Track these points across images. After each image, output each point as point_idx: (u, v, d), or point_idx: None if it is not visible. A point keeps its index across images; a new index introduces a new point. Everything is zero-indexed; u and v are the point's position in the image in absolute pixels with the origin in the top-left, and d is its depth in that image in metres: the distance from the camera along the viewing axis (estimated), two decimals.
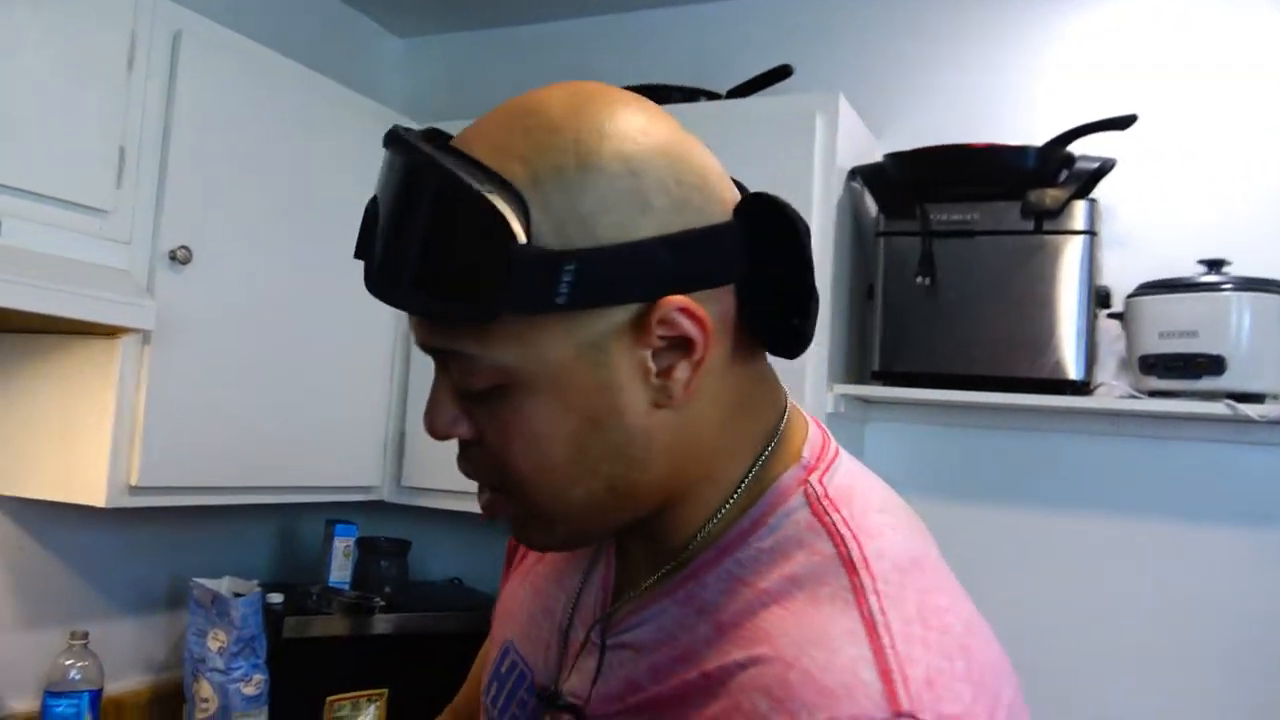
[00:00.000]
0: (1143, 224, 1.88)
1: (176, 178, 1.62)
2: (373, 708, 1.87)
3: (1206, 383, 1.63)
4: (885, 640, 0.54)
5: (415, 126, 2.11)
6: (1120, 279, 1.80)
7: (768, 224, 0.60)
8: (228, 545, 2.17)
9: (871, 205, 1.94)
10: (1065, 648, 1.88)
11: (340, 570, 2.15)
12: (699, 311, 0.57)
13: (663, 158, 0.58)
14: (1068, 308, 1.71)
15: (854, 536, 0.59)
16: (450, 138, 0.61)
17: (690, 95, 2.03)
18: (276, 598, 1.96)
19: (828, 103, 1.83)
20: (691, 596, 0.61)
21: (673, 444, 0.60)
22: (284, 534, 2.33)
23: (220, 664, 1.79)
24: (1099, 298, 1.76)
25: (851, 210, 1.92)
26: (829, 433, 0.67)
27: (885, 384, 1.87)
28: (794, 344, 0.62)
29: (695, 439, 0.61)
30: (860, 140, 1.96)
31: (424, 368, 2.12)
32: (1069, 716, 1.86)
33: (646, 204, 0.57)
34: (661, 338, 0.58)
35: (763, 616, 0.57)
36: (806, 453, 0.64)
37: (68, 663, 1.71)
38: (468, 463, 0.63)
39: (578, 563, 0.72)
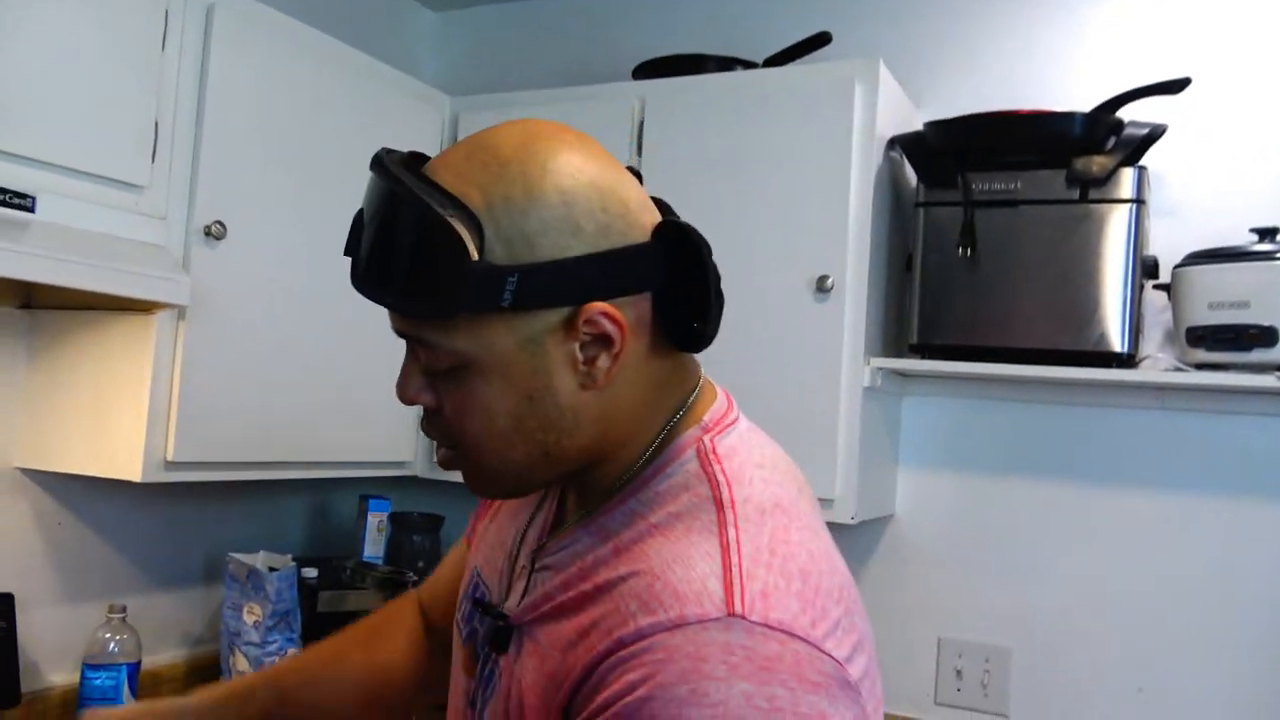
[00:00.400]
0: (1193, 192, 1.83)
1: (210, 153, 1.61)
2: None
3: (1257, 355, 1.59)
4: (734, 561, 0.68)
5: (446, 95, 2.10)
6: (1168, 249, 1.76)
7: (677, 243, 0.73)
8: (263, 520, 2.18)
9: (911, 175, 1.90)
10: (1106, 623, 1.85)
11: (374, 545, 2.16)
12: (617, 315, 0.72)
13: (593, 190, 0.72)
14: (1113, 279, 1.67)
15: (728, 483, 0.73)
16: (428, 159, 0.75)
17: (726, 64, 1.99)
18: (311, 572, 1.96)
19: (867, 70, 1.79)
20: (601, 528, 0.75)
21: (596, 417, 0.75)
22: (318, 509, 2.33)
23: (256, 637, 1.80)
24: (1146, 268, 1.72)
25: (890, 180, 1.88)
26: (734, 405, 0.82)
27: (923, 357, 1.83)
28: (695, 341, 0.75)
29: (614, 413, 0.75)
30: (900, 108, 1.92)
31: None
32: (1108, 690, 1.83)
33: (578, 228, 0.71)
34: (587, 334, 0.71)
35: (647, 542, 0.71)
36: (706, 418, 0.78)
37: (106, 636, 1.72)
38: (431, 426, 0.78)
39: (529, 506, 0.88)
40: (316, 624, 1.87)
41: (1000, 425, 1.97)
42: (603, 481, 0.78)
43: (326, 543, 2.33)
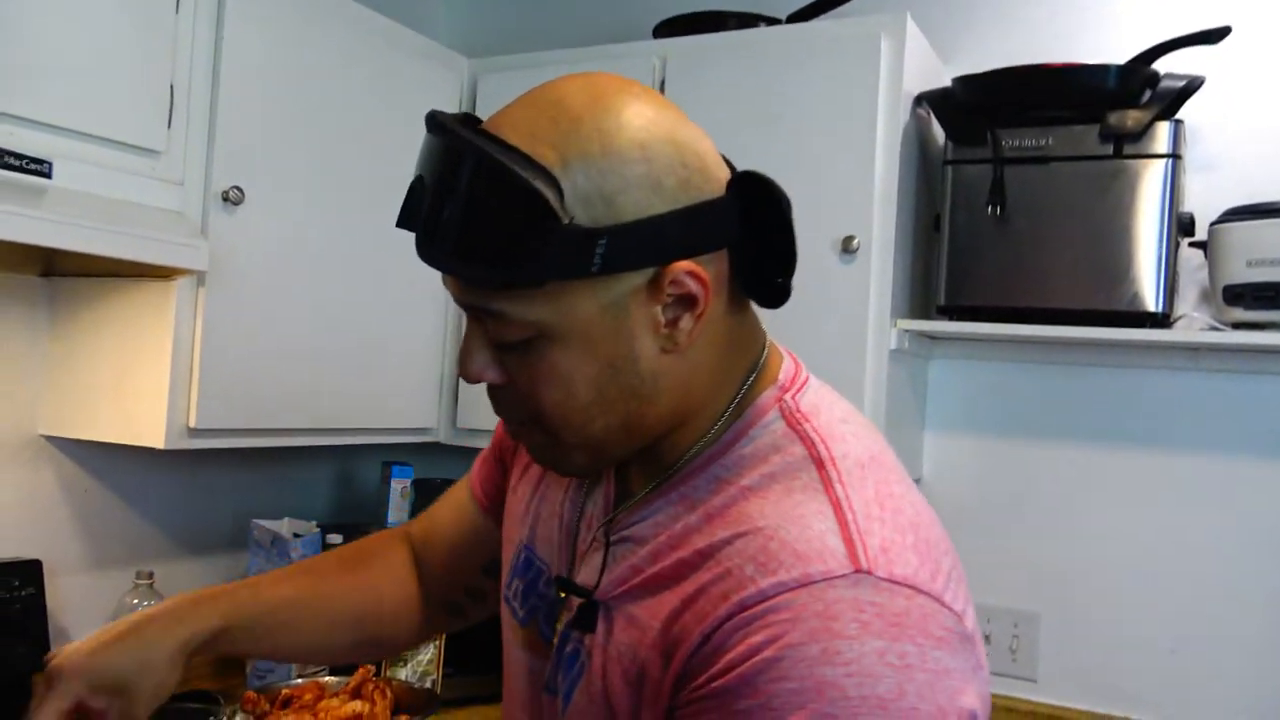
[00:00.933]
0: (1231, 146, 1.78)
1: (227, 117, 1.59)
2: (431, 645, 1.88)
3: None
4: (849, 517, 0.66)
5: (464, 57, 2.07)
6: (1205, 205, 1.71)
7: (756, 197, 0.71)
8: (287, 487, 2.19)
9: (939, 132, 1.86)
10: (1137, 586, 1.83)
11: (398, 511, 2.16)
12: (702, 273, 0.69)
13: (670, 144, 0.69)
14: (1147, 236, 1.63)
15: (822, 440, 0.72)
16: (480, 122, 0.72)
17: (748, 21, 1.95)
18: (335, 538, 1.97)
19: (894, 25, 1.74)
20: (683, 496, 0.73)
21: (676, 382, 0.72)
22: (342, 476, 2.34)
23: None
24: (1181, 225, 1.68)
25: (917, 138, 1.84)
26: (800, 362, 0.80)
27: (951, 319, 1.80)
28: (777, 297, 0.74)
29: (694, 377, 0.73)
30: (928, 64, 1.87)
31: None
32: (1139, 652, 1.81)
33: (659, 185, 0.68)
34: (671, 295, 0.69)
35: (745, 504, 0.69)
36: (781, 377, 0.77)
37: (134, 602, 1.73)
38: (498, 404, 0.75)
39: (582, 478, 0.84)
40: None
41: (1029, 387, 1.93)
42: (674, 450, 0.75)
43: (350, 509, 2.33)
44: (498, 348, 0.71)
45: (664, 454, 0.76)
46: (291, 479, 2.20)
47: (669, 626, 0.68)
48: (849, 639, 0.60)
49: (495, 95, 2.04)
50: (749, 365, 0.77)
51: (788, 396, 0.75)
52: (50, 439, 1.71)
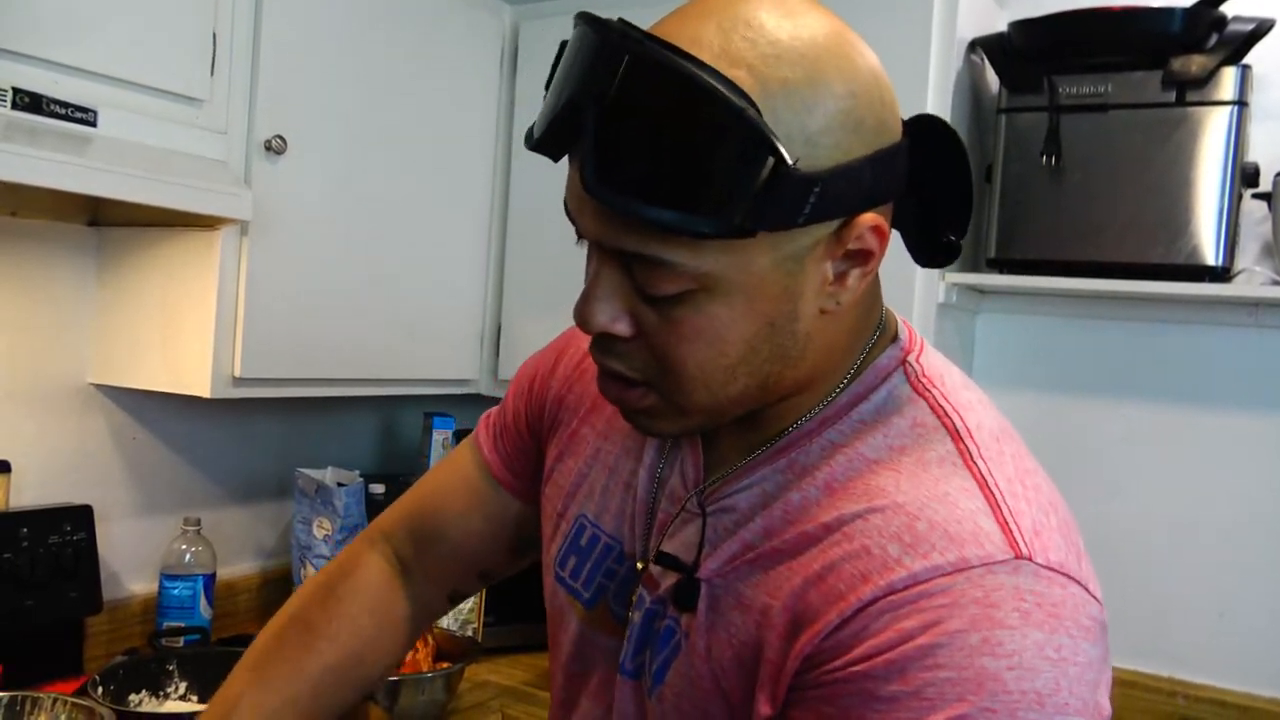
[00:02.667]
0: None
1: (269, 65, 1.58)
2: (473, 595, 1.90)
3: None
4: (997, 496, 0.62)
5: (506, 4, 2.04)
6: (1270, 155, 1.65)
7: (935, 144, 0.65)
8: (331, 436, 2.20)
9: (993, 80, 1.81)
10: (1189, 547, 1.79)
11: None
12: (884, 227, 0.63)
13: (874, 79, 0.62)
14: (1209, 187, 1.58)
15: (954, 409, 0.66)
16: (640, 29, 0.59)
17: None
18: (378, 488, 1.98)
19: None
20: (792, 464, 0.67)
21: (822, 344, 0.66)
22: (384, 426, 2.35)
23: (326, 551, 1.83)
24: (1245, 176, 1.62)
25: (970, 86, 1.79)
26: (910, 324, 0.75)
27: (1002, 272, 1.76)
28: (947, 256, 0.68)
29: (838, 339, 0.67)
30: (982, 8, 1.81)
31: (519, 263, 2.08)
32: (1188, 614, 1.79)
33: (860, 125, 0.60)
34: (848, 251, 0.62)
35: (873, 476, 0.64)
36: (901, 338, 0.71)
37: (182, 547, 1.76)
38: (613, 358, 0.66)
39: (653, 441, 0.77)
40: None
41: (1082, 343, 1.89)
42: (783, 414, 0.68)
43: (392, 459, 2.35)
44: (638, 298, 0.62)
45: (770, 418, 0.69)
46: (335, 428, 2.22)
47: (792, 605, 0.63)
48: (1011, 629, 0.56)
49: (537, 42, 2.01)
50: (875, 326, 0.70)
51: (911, 358, 0.69)
52: (99, 387, 1.74)
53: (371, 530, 1.00)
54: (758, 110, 0.56)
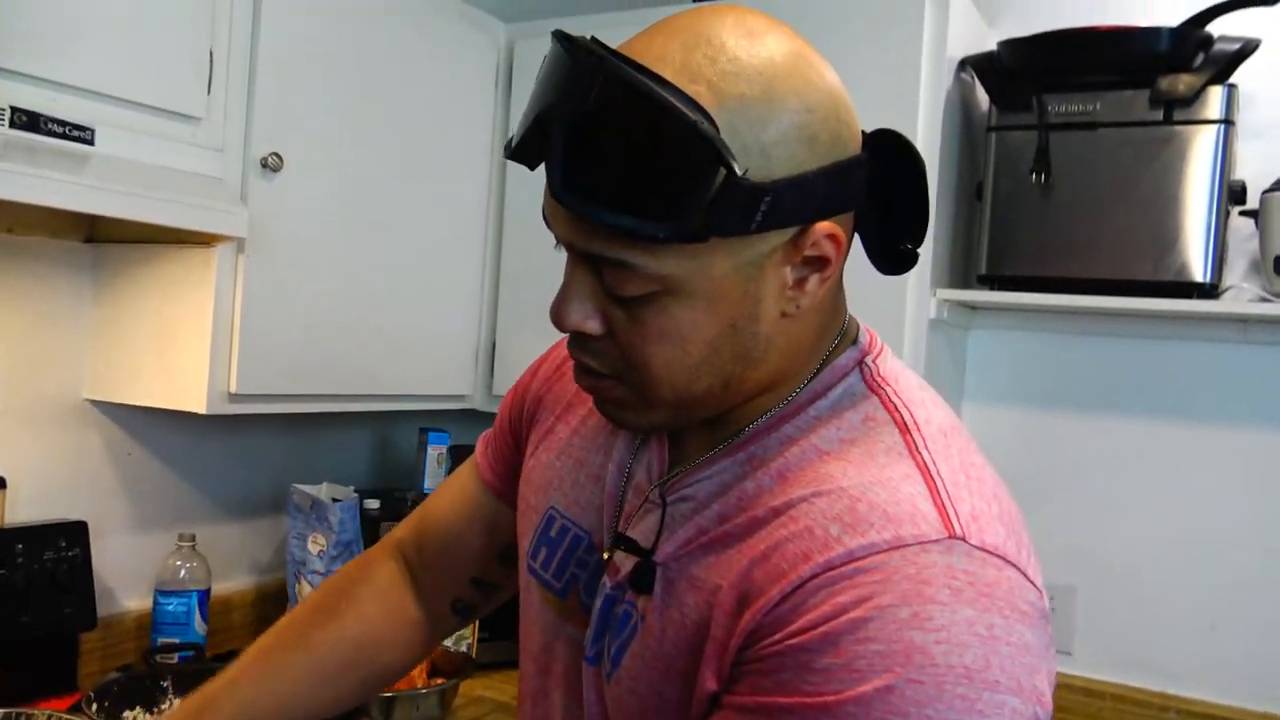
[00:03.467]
0: None
1: (265, 83, 1.59)
2: None
3: None
4: (938, 483, 0.64)
5: (501, 22, 2.05)
6: (1257, 173, 1.67)
7: (893, 157, 0.68)
8: (326, 452, 2.21)
9: (983, 98, 1.83)
10: (1177, 560, 1.80)
11: (433, 477, 2.18)
12: (840, 235, 0.66)
13: (829, 96, 0.66)
14: (1197, 205, 1.59)
15: (904, 405, 0.70)
16: (606, 47, 0.63)
17: None
18: (373, 503, 1.99)
19: None
20: (750, 457, 0.70)
21: (784, 346, 0.69)
22: (379, 442, 2.36)
23: (320, 566, 1.83)
24: (1232, 193, 1.64)
25: (960, 104, 1.81)
26: (873, 331, 0.78)
27: (992, 288, 1.78)
28: (904, 264, 0.71)
29: (800, 341, 0.70)
30: (972, 27, 1.83)
31: (514, 279, 2.09)
32: (1178, 627, 1.79)
33: (814, 139, 0.64)
34: (805, 257, 0.66)
35: (822, 465, 0.67)
36: (861, 341, 0.74)
37: (177, 563, 1.76)
38: (587, 354, 0.70)
39: (623, 438, 0.80)
40: None
41: (1071, 359, 1.91)
42: (745, 413, 0.72)
43: (387, 474, 2.35)
44: (606, 298, 0.66)
45: (734, 418, 0.72)
46: (330, 444, 2.22)
47: (739, 584, 0.65)
48: (941, 605, 0.58)
49: (532, 60, 2.03)
50: (836, 332, 0.74)
51: (868, 359, 0.73)
52: (95, 403, 1.74)
53: (387, 539, 1.06)
54: (713, 123, 0.60)
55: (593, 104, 0.60)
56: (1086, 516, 1.87)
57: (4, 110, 1.26)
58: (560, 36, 0.63)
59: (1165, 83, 1.59)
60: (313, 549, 1.84)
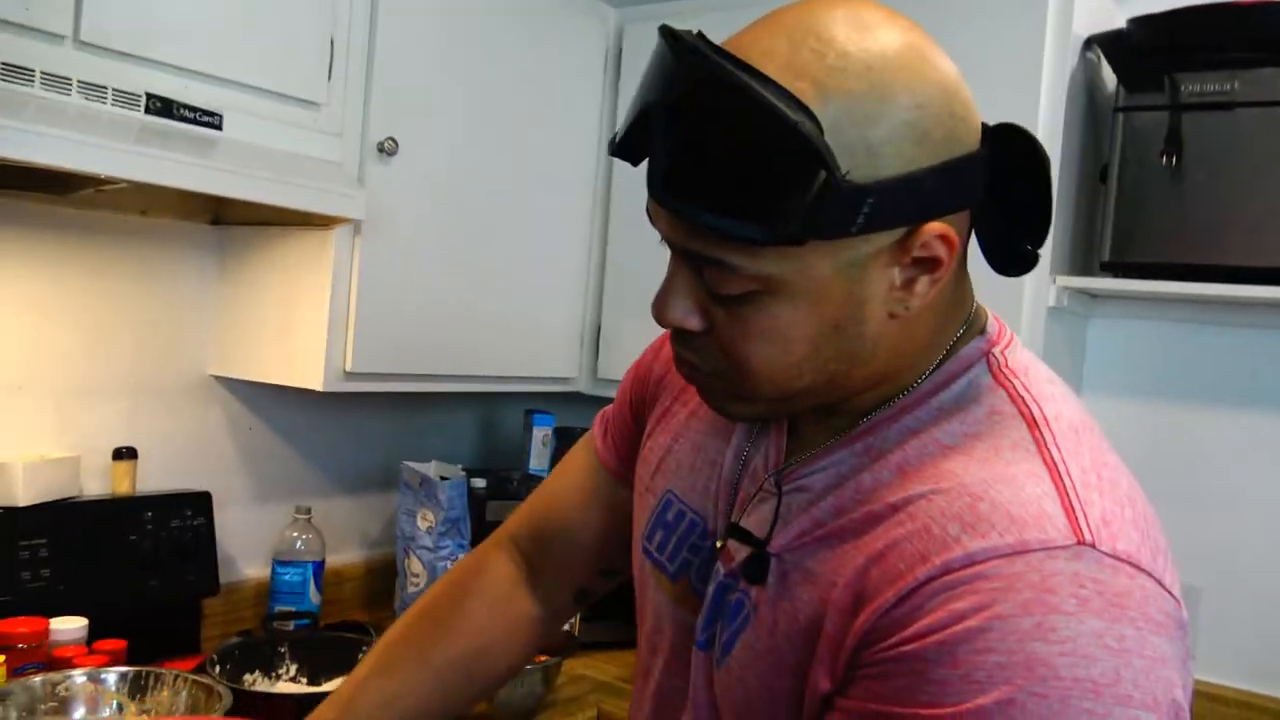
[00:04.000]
0: None
1: (383, 70, 1.63)
2: None
3: None
4: (1067, 484, 0.61)
5: (611, 7, 2.05)
6: None
7: (1015, 153, 0.65)
8: (434, 432, 2.25)
9: (1109, 78, 1.75)
10: None
11: (539, 459, 2.20)
12: (952, 236, 0.63)
13: (942, 92, 0.63)
14: None
15: (1034, 399, 0.66)
16: (710, 43, 0.61)
17: None
18: (480, 482, 2.02)
19: None
20: (869, 448, 0.68)
21: (893, 345, 0.67)
22: (485, 424, 2.40)
23: (429, 542, 1.87)
24: None
25: (1086, 84, 1.74)
26: (1003, 321, 0.74)
27: (1116, 276, 1.70)
28: (1023, 265, 0.68)
29: (911, 340, 0.67)
30: (1099, 4, 1.75)
31: (620, 264, 2.10)
32: None
33: (925, 136, 0.61)
34: (914, 258, 0.63)
35: (944, 460, 0.64)
36: (989, 331, 0.71)
37: (294, 535, 1.82)
38: (688, 349, 0.69)
39: (740, 426, 0.79)
40: (485, 531, 1.92)
41: (1200, 349, 1.82)
42: (865, 403, 0.70)
43: (494, 455, 2.39)
44: (708, 296, 0.65)
45: (851, 406, 0.70)
46: (438, 425, 2.27)
47: (855, 582, 0.63)
48: (1066, 615, 0.55)
49: (641, 45, 2.02)
50: (960, 323, 0.71)
51: (996, 350, 0.70)
52: (218, 379, 1.81)
53: (499, 533, 1.04)
54: (816, 122, 0.58)
55: (692, 102, 0.59)
56: (1212, 514, 1.79)
57: (140, 97, 1.31)
58: (665, 32, 0.62)
59: None
60: (422, 525, 1.88)
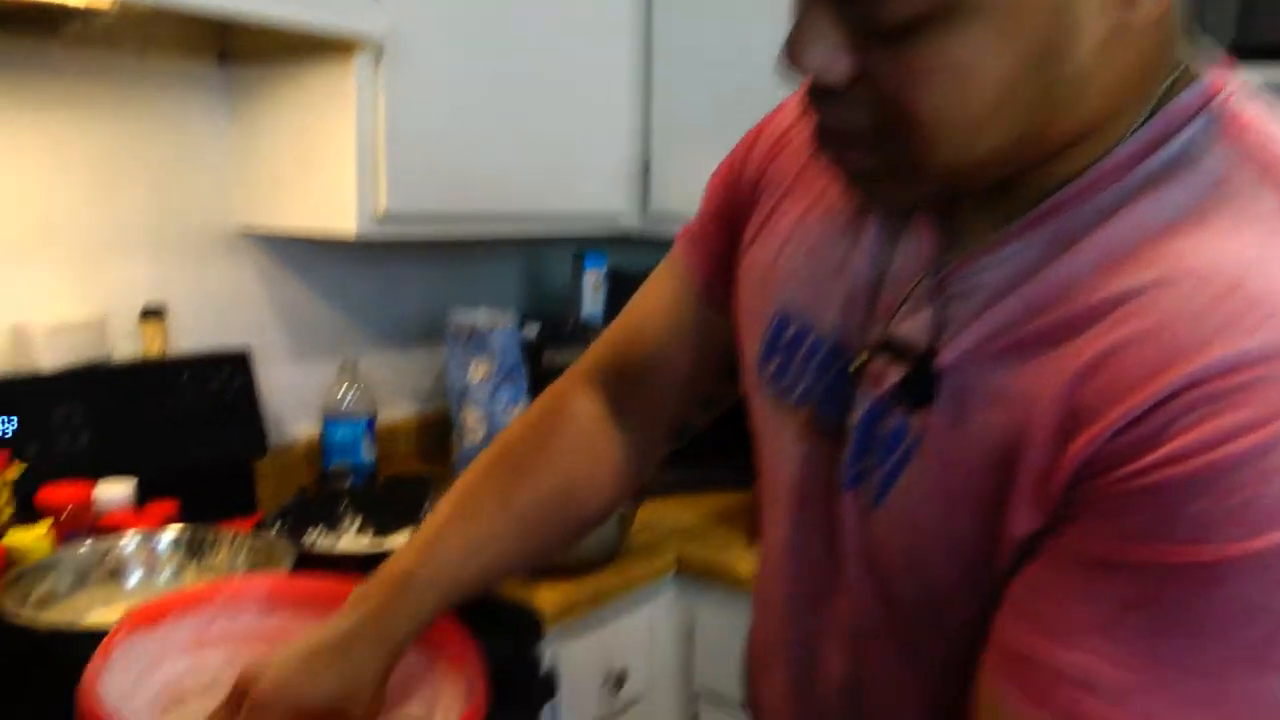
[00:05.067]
0: None
1: None
2: None
3: None
4: None
5: None
6: None
7: None
8: (479, 282, 2.15)
9: None
10: None
11: (592, 304, 2.08)
12: None
13: None
14: None
15: None
16: None
17: None
18: (531, 329, 1.92)
19: None
20: (1058, 234, 0.54)
21: (1105, 85, 0.52)
22: (532, 271, 2.29)
23: (484, 394, 1.78)
24: None
25: None
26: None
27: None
28: None
29: (1125, 78, 0.53)
30: None
31: (667, 94, 1.91)
32: None
33: None
34: None
35: (1170, 241, 0.51)
36: (1212, 76, 0.55)
37: (340, 392, 1.73)
38: (831, 114, 0.55)
39: (872, 221, 0.65)
40: (541, 381, 1.82)
41: None
42: (1047, 176, 0.56)
43: (542, 303, 2.29)
44: (860, 33, 0.51)
45: (1029, 182, 0.56)
46: (483, 273, 2.16)
47: (1064, 399, 0.51)
48: None
49: None
50: (1169, 70, 0.55)
51: (1220, 97, 0.54)
52: (247, 235, 1.69)
53: (575, 370, 0.92)
54: None
55: None
56: None
57: None
58: None
59: None
60: (475, 376, 1.79)
